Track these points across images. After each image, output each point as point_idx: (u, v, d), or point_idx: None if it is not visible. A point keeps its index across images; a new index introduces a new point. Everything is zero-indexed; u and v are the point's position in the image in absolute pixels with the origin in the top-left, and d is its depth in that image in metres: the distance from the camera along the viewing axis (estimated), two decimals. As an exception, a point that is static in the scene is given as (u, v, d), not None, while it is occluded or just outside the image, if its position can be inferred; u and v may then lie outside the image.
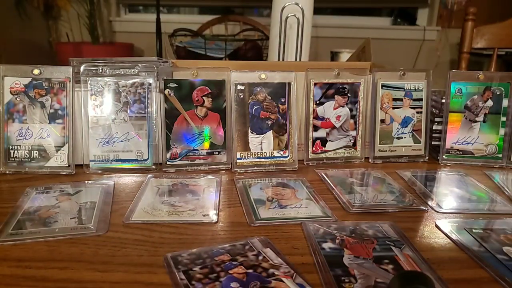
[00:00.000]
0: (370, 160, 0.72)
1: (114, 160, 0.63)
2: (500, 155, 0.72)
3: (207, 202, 0.53)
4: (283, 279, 0.36)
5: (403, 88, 0.72)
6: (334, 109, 0.71)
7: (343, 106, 0.71)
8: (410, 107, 0.73)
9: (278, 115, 0.67)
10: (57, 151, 0.62)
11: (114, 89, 0.64)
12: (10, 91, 0.62)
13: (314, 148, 0.70)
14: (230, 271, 0.36)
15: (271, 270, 0.37)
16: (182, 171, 0.64)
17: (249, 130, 0.66)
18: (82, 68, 0.64)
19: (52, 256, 0.39)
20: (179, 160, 0.65)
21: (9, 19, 2.02)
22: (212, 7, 2.71)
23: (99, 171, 0.63)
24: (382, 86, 0.72)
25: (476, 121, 0.72)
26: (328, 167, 0.68)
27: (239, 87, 0.66)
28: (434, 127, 0.75)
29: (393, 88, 0.72)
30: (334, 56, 1.80)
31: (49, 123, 0.62)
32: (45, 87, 0.62)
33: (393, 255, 0.40)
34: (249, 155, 0.66)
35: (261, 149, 0.67)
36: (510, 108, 0.71)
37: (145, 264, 0.38)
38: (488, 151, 0.72)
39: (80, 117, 0.64)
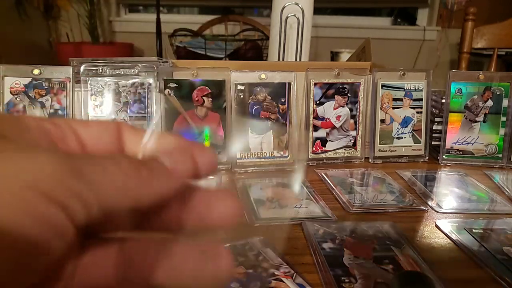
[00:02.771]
0: (370, 160, 0.72)
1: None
2: (500, 155, 0.72)
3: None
4: (283, 279, 0.36)
5: (403, 88, 0.72)
6: (334, 109, 0.71)
7: (343, 106, 0.71)
8: (410, 107, 0.73)
9: (278, 115, 0.67)
10: (57, 151, 0.62)
11: (114, 89, 0.64)
12: (10, 91, 0.62)
13: (314, 148, 0.70)
14: (230, 271, 0.36)
15: (271, 270, 0.37)
16: (182, 171, 0.64)
17: (249, 130, 0.66)
18: (82, 68, 0.64)
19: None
20: (179, 160, 0.65)
21: (9, 19, 2.02)
22: (212, 7, 2.71)
23: (99, 171, 0.63)
24: (382, 86, 0.72)
25: (476, 121, 0.72)
26: (328, 167, 0.68)
27: (239, 87, 0.66)
28: (434, 127, 0.75)
29: (393, 88, 0.72)
30: (334, 56, 1.80)
31: (49, 123, 0.62)
32: (45, 87, 0.62)
33: (393, 255, 0.40)
34: (249, 155, 0.66)
35: (261, 149, 0.67)
36: (510, 108, 0.71)
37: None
38: (488, 151, 0.72)
39: (80, 117, 0.64)
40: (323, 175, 0.64)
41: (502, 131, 0.72)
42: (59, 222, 0.12)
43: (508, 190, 0.60)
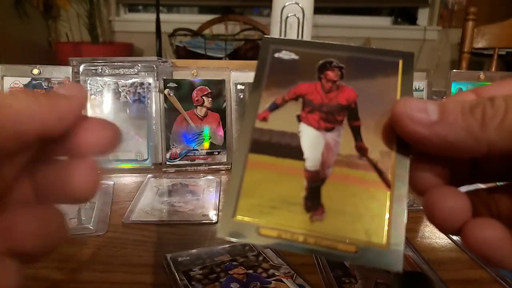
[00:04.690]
0: (370, 160, 0.72)
1: (113, 160, 0.63)
2: (500, 155, 0.71)
3: (207, 202, 0.52)
4: (283, 279, 0.35)
5: (404, 88, 0.72)
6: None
7: (343, 106, 0.71)
8: (410, 107, 0.73)
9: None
10: (56, 151, 0.62)
11: (114, 89, 0.64)
12: (10, 91, 0.61)
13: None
14: (230, 272, 0.36)
15: (271, 271, 0.37)
16: (182, 171, 0.64)
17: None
18: (81, 68, 0.63)
19: (52, 256, 0.39)
20: (179, 160, 0.65)
21: (9, 19, 2.02)
22: (212, 7, 2.71)
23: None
24: (383, 86, 0.72)
25: (476, 121, 0.72)
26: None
27: (239, 87, 0.66)
28: (435, 127, 0.74)
29: (393, 88, 0.72)
30: (334, 56, 1.79)
31: (48, 123, 0.62)
32: (45, 87, 0.62)
33: (393, 256, 0.40)
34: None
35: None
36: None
37: (145, 264, 0.38)
38: (488, 151, 0.72)
39: (80, 117, 0.63)
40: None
41: (502, 131, 0.71)
42: None
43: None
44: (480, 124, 0.16)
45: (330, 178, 0.18)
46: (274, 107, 0.20)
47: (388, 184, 0.18)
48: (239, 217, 0.17)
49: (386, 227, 0.17)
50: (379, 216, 0.17)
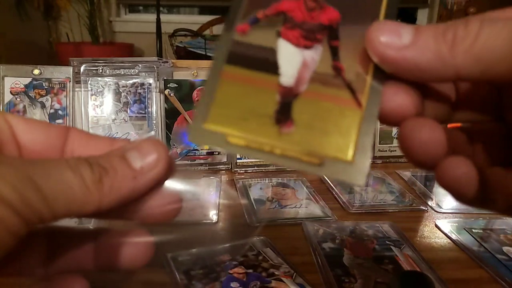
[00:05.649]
0: (370, 160, 0.72)
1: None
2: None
3: (206, 202, 0.53)
4: (283, 279, 0.36)
5: (403, 88, 0.72)
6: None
7: (343, 106, 0.71)
8: (410, 107, 0.73)
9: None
10: (57, 151, 0.62)
11: (114, 89, 0.64)
12: (11, 91, 0.62)
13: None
14: (230, 271, 0.36)
15: (271, 270, 0.37)
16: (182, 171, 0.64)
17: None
18: (82, 68, 0.64)
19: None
20: (179, 160, 0.65)
21: (9, 19, 2.02)
22: (212, 7, 2.71)
23: (99, 171, 0.63)
24: (382, 86, 0.72)
25: (476, 121, 0.72)
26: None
27: (239, 87, 0.66)
28: (434, 127, 0.74)
29: (393, 88, 0.72)
30: (334, 56, 1.79)
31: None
32: (45, 87, 0.63)
33: (393, 255, 0.40)
34: (249, 155, 0.66)
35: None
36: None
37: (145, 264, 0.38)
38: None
39: (80, 117, 0.64)
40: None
41: (502, 131, 0.71)
42: (12, 223, 0.13)
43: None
44: (449, 47, 0.16)
45: (303, 95, 0.18)
46: (255, 20, 0.20)
47: (359, 104, 0.18)
48: (209, 125, 0.17)
49: (353, 143, 0.17)
50: (347, 132, 0.17)
